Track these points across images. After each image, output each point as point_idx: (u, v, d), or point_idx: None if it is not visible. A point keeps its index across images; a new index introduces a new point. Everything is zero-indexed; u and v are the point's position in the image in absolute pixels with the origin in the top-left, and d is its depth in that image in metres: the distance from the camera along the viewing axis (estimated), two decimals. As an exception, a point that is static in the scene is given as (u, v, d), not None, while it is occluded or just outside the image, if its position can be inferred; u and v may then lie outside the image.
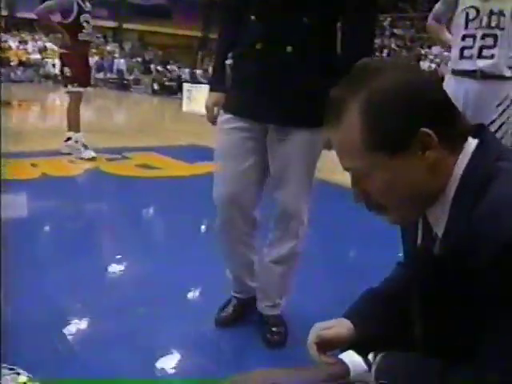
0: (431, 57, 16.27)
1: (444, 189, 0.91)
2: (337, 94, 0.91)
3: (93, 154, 5.33)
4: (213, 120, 1.96)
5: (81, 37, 5.28)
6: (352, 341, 1.18)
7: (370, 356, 1.50)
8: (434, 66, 14.96)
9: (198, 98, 15.28)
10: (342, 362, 1.36)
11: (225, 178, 1.88)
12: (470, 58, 2.86)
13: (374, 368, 1.03)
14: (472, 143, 0.92)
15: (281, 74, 1.71)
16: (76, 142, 5.39)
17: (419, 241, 1.06)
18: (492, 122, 2.83)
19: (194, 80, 19.01)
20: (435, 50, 16.45)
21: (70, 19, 5.18)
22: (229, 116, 1.86)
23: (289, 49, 1.69)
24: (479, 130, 0.94)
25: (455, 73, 2.95)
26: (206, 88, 11.21)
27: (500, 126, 2.86)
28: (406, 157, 0.88)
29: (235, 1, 1.85)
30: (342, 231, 3.38)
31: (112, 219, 3.64)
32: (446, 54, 11.91)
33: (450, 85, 2.90)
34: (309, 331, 1.16)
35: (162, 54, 24.25)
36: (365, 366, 1.33)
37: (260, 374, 1.41)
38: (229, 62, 1.88)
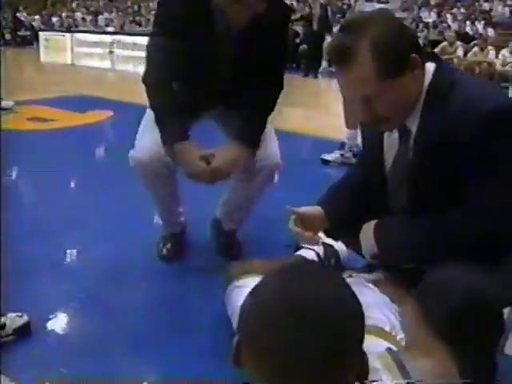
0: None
1: (419, 96, 1.25)
2: (343, 43, 1.21)
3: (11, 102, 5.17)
4: (209, 178, 1.88)
5: None
6: (325, 225, 1.52)
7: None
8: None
9: (56, 47, 14.49)
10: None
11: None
12: None
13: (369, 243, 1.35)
14: (431, 65, 1.28)
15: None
16: None
17: (391, 137, 1.41)
18: None
19: (49, 28, 17.80)
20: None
21: None
22: None
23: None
24: (432, 55, 1.32)
25: None
26: (64, 36, 10.57)
27: None
28: (403, 77, 1.22)
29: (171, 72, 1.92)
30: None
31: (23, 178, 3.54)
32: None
33: None
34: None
35: (7, 1, 22.15)
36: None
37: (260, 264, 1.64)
38: None
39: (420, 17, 14.48)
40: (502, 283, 1.19)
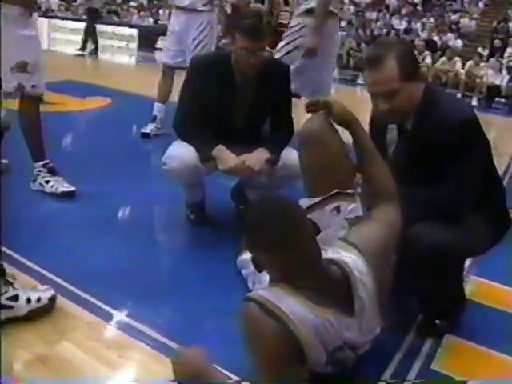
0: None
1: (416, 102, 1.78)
2: (377, 53, 1.74)
3: None
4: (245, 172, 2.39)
5: None
6: None
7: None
8: None
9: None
10: None
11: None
12: None
13: None
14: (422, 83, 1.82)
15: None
16: None
17: (392, 134, 1.93)
18: (194, 39, 4.26)
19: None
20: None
21: None
22: None
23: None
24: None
25: (177, 8, 4.32)
26: (41, 21, 10.54)
27: (199, 42, 4.25)
28: (413, 83, 1.75)
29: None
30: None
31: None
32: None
33: (174, 15, 4.39)
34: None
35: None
36: None
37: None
38: None
39: (392, 24, 15.17)
40: (463, 240, 1.72)
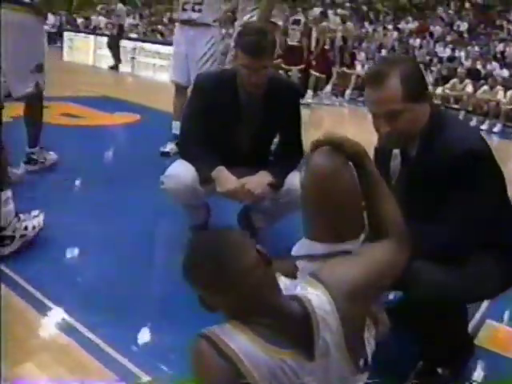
0: None
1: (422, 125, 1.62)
2: (380, 70, 1.60)
3: None
4: (244, 196, 2.24)
5: None
6: None
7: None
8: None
9: (80, 47, 14.95)
10: None
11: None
12: (186, 11, 4.15)
13: None
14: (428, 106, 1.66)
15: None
16: None
17: (395, 162, 1.77)
18: (204, 54, 4.14)
19: (74, 29, 18.28)
20: None
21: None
22: None
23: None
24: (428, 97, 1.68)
25: (183, 22, 4.22)
26: (88, 38, 11.01)
27: (210, 57, 4.15)
28: (420, 104, 1.60)
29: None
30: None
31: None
32: None
33: (180, 31, 4.30)
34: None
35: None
36: None
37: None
38: None
39: (436, 51, 14.91)
40: (466, 282, 1.55)
